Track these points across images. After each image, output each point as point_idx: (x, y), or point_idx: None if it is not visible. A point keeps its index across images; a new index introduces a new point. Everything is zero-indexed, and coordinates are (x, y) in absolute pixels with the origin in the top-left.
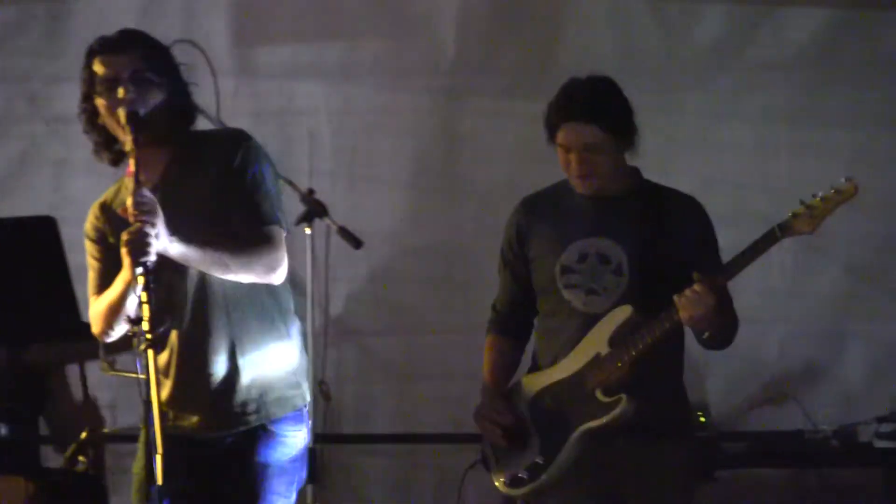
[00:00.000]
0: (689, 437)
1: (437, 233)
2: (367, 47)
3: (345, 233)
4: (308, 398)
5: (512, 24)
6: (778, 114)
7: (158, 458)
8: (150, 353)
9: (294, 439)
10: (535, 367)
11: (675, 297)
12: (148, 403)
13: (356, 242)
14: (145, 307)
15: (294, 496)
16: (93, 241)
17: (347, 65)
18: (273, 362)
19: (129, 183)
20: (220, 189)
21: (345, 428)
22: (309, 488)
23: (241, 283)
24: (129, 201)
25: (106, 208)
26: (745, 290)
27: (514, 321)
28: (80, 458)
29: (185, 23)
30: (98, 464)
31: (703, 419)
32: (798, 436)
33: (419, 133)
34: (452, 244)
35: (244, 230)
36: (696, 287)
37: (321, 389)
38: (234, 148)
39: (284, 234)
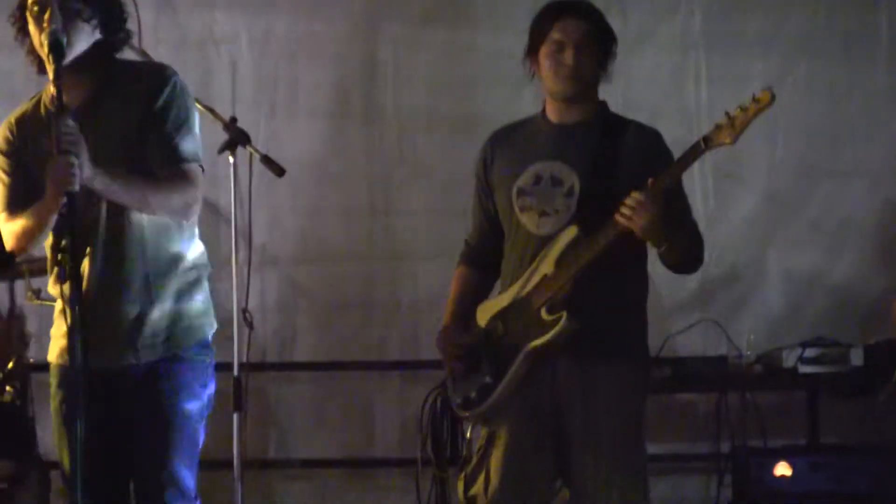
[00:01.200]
0: (638, 358)
1: (357, 161)
2: None
3: (267, 161)
4: (215, 326)
5: None
6: (694, 41)
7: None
8: (73, 280)
9: (203, 364)
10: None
11: (617, 216)
12: (71, 330)
13: (279, 170)
14: (68, 238)
15: (204, 420)
16: (3, 154)
17: None
18: (183, 294)
19: (45, 98)
20: (142, 124)
21: (267, 356)
22: (234, 416)
23: (156, 218)
24: (54, 131)
25: (22, 124)
26: None
27: (483, 253)
28: (7, 387)
29: None
30: (24, 393)
31: None
32: (722, 361)
33: (339, 61)
34: (373, 172)
35: (164, 167)
36: (635, 195)
37: (244, 318)
38: (160, 84)
39: (202, 173)
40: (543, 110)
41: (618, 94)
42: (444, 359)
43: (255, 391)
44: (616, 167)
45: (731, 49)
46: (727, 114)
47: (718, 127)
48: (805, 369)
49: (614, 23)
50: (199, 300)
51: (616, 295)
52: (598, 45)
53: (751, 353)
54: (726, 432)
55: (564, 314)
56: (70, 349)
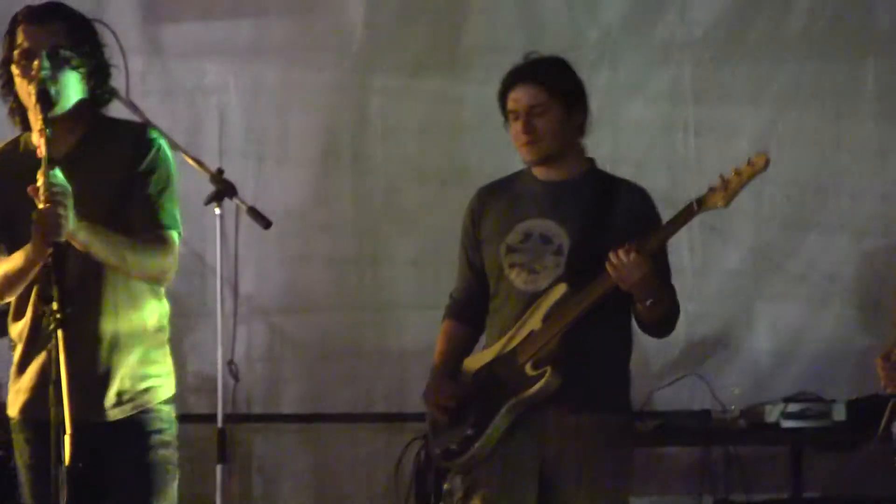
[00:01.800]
0: (621, 409)
1: (346, 211)
2: (277, 25)
3: (254, 213)
4: (174, 389)
5: (420, 2)
6: (683, 92)
7: (67, 439)
8: (59, 332)
9: (169, 416)
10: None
11: (607, 264)
12: (56, 384)
13: (265, 222)
14: (55, 287)
15: (177, 469)
16: None
17: (257, 43)
18: (149, 356)
19: (25, 141)
20: (124, 186)
21: (254, 408)
22: (218, 468)
23: (131, 280)
24: (41, 182)
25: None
26: None
27: (469, 308)
28: None
29: (94, 1)
30: (5, 445)
31: None
32: (706, 415)
33: (328, 111)
34: (361, 222)
35: (143, 231)
36: (622, 255)
37: (230, 369)
38: (145, 147)
39: (179, 240)
40: (530, 167)
41: (606, 145)
42: (430, 410)
43: (240, 442)
44: (605, 226)
45: (720, 101)
46: (721, 176)
47: (712, 189)
48: (788, 424)
49: (604, 74)
50: (163, 362)
51: (601, 350)
52: (560, 105)
53: (735, 407)
54: (709, 486)
55: (549, 370)
56: (56, 401)
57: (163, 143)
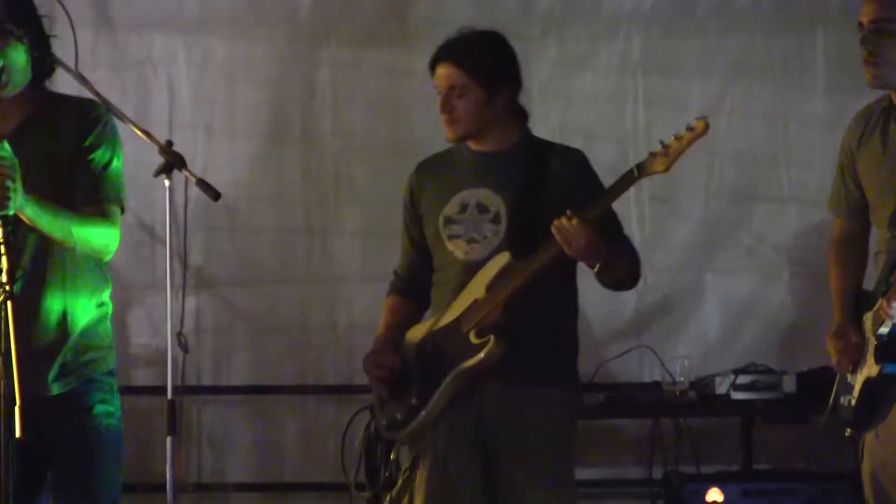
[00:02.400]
0: (568, 381)
1: (295, 183)
2: None
3: (203, 185)
4: (116, 360)
5: None
6: (632, 64)
7: (17, 412)
8: (9, 304)
9: (111, 386)
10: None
11: (553, 230)
12: (6, 356)
13: (215, 194)
14: (4, 259)
15: (121, 437)
16: None
17: (205, 15)
18: (92, 329)
19: None
20: (69, 161)
21: (203, 379)
22: (168, 440)
23: (78, 255)
24: None
25: None
26: None
27: (413, 284)
28: None
29: None
30: None
31: None
32: (656, 387)
33: (277, 83)
34: (310, 195)
35: (87, 205)
36: (566, 222)
37: (179, 341)
38: (90, 122)
39: (121, 215)
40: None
41: (556, 117)
42: (370, 381)
43: (189, 414)
44: (542, 191)
45: (669, 73)
46: (662, 142)
47: (652, 155)
48: (738, 396)
49: (553, 47)
50: (105, 335)
51: (546, 319)
52: (479, 86)
53: (685, 379)
54: (659, 458)
55: (492, 337)
56: (5, 373)
57: (109, 118)
